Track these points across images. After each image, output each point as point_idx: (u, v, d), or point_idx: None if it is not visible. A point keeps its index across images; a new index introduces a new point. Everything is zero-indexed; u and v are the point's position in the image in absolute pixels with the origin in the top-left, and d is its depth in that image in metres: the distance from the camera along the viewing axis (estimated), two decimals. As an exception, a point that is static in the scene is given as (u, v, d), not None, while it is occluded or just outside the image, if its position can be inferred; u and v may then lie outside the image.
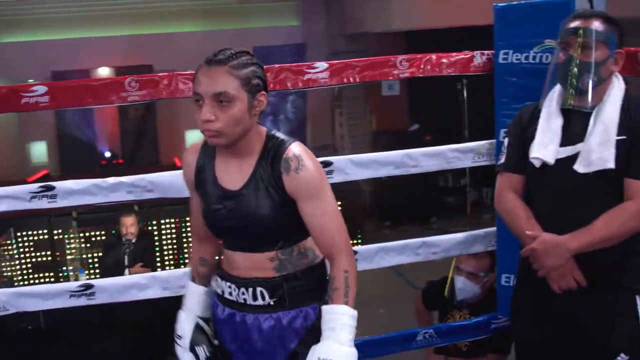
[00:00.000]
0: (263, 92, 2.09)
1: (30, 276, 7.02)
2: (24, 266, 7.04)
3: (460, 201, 9.58)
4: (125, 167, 10.52)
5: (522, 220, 2.50)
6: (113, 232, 6.56)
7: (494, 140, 3.16)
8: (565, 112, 2.49)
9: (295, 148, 2.10)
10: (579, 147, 2.42)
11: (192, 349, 2.28)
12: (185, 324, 2.32)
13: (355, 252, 3.10)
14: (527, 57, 3.02)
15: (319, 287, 2.19)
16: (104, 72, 10.76)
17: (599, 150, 2.37)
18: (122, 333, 5.21)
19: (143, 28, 11.02)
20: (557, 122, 2.48)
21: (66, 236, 7.02)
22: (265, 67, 2.96)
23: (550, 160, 2.45)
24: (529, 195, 2.58)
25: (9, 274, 6.42)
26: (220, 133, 2.02)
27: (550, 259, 2.38)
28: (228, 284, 2.22)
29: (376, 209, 10.16)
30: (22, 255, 7.06)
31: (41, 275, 7.05)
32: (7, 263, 6.42)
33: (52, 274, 7.02)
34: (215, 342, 2.31)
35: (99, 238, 6.94)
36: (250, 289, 2.17)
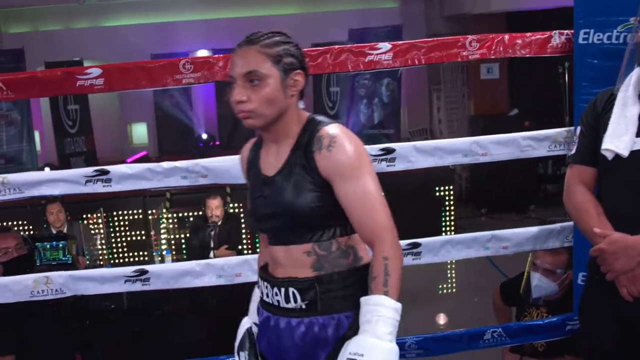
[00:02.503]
0: (299, 71, 1.98)
1: (121, 255, 7.20)
2: (115, 245, 7.24)
3: (560, 190, 9.15)
4: (222, 149, 10.65)
5: (592, 217, 2.29)
6: (199, 213, 6.62)
7: (572, 128, 2.93)
8: (645, 98, 2.25)
9: (332, 127, 1.96)
10: None
11: (238, 353, 2.18)
12: (242, 327, 2.22)
13: (419, 244, 2.98)
14: (609, 37, 2.78)
15: (357, 293, 1.95)
16: (202, 55, 10.91)
17: None
18: (204, 315, 5.23)
19: (242, 11, 11.11)
20: (634, 110, 2.25)
21: (160, 217, 7.15)
22: (325, 48, 2.86)
23: (624, 153, 2.22)
24: (601, 190, 2.37)
25: (99, 252, 6.57)
26: (253, 114, 1.94)
27: (619, 262, 2.18)
28: (265, 284, 2.09)
29: (472, 196, 9.89)
30: (114, 235, 7.26)
31: (132, 254, 7.23)
32: (98, 242, 6.58)
33: (144, 252, 7.19)
34: None
35: (190, 219, 7.01)
36: (283, 290, 2.02)
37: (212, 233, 6.11)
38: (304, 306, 2.00)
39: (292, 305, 2.01)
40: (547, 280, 3.20)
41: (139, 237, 7.40)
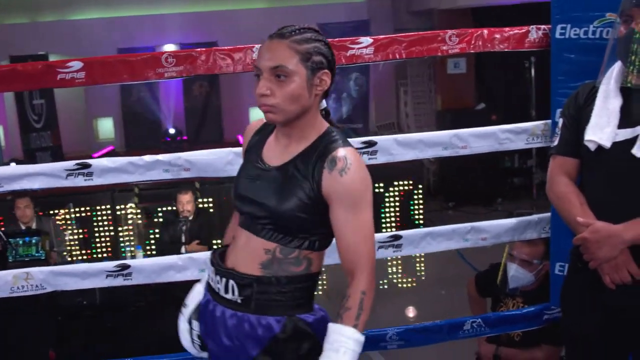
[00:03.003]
0: (326, 71, 1.97)
1: (88, 251, 7.13)
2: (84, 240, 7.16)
3: (527, 182, 9.33)
4: (189, 144, 10.61)
5: (575, 207, 2.33)
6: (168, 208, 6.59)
7: (549, 121, 2.98)
8: (625, 91, 2.31)
9: (348, 151, 1.95)
10: (638, 129, 2.24)
11: (190, 321, 2.17)
12: (195, 296, 2.21)
13: (400, 237, 3.01)
14: (586, 32, 2.82)
15: (293, 300, 2.01)
16: (169, 49, 10.83)
17: None
18: (178, 310, 5.20)
19: (208, 5, 11.05)
20: (616, 102, 2.30)
21: (128, 212, 7.10)
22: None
23: (607, 144, 2.27)
24: (583, 180, 2.42)
25: (69, 247, 6.52)
26: (275, 108, 1.93)
27: (602, 250, 2.22)
28: (212, 269, 2.12)
29: (440, 190, 10.00)
30: (83, 230, 7.18)
31: (101, 249, 7.17)
32: (67, 238, 6.52)
33: (113, 248, 7.13)
34: None
35: (159, 215, 6.96)
36: (224, 280, 2.04)
37: (184, 228, 6.09)
38: (239, 300, 2.02)
39: (229, 296, 2.04)
40: (524, 271, 3.25)
41: (108, 233, 7.34)
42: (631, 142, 2.24)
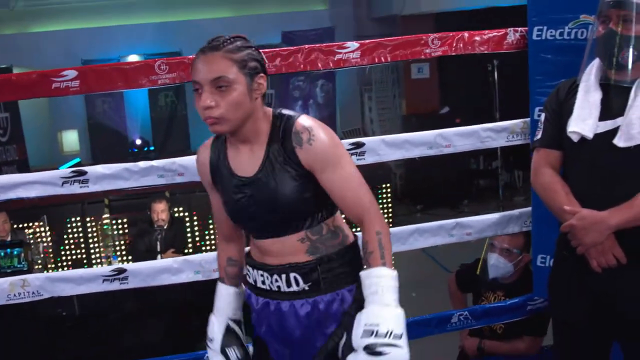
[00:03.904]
0: (262, 75, 2.06)
1: (64, 263, 7.09)
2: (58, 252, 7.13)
3: (492, 184, 9.50)
4: (156, 155, 10.58)
5: (560, 196, 2.44)
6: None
7: (528, 119, 3.10)
8: (604, 86, 2.42)
9: (304, 120, 2.06)
10: (619, 121, 2.35)
11: (223, 351, 2.24)
12: (216, 326, 2.28)
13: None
14: (561, 33, 2.95)
15: (353, 268, 2.12)
16: (133, 59, 10.79)
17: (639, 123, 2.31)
18: (157, 319, 5.23)
19: (172, 15, 11.07)
20: (596, 96, 2.42)
21: (100, 223, 7.08)
22: (295, 47, 2.96)
23: (589, 135, 2.39)
24: (567, 171, 2.53)
25: (42, 260, 6.48)
26: (222, 119, 1.99)
27: (589, 236, 2.33)
28: (261, 272, 2.17)
29: (408, 193, 10.12)
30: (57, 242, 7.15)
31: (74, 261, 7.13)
32: (41, 250, 6.48)
33: (85, 260, 7.10)
34: (249, 344, 2.30)
35: (132, 225, 6.97)
36: (284, 276, 2.12)
37: (159, 237, 6.10)
38: (307, 288, 2.11)
39: (294, 288, 2.12)
40: (504, 260, 3.35)
41: (80, 244, 7.31)
42: (612, 133, 2.35)
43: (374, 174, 8.45)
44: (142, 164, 2.88)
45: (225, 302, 2.31)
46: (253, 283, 2.23)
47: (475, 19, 7.61)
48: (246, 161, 2.11)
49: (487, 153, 9.44)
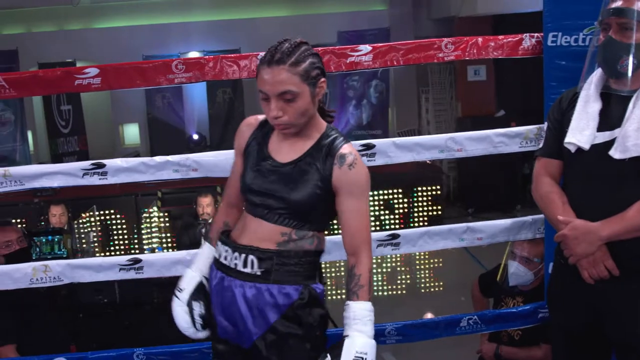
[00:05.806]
0: (323, 79, 2.22)
1: (113, 253, 7.32)
2: (107, 242, 7.36)
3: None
4: (212, 150, 10.70)
5: (557, 206, 2.45)
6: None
7: (542, 125, 3.07)
8: (605, 96, 2.42)
9: (352, 149, 2.25)
10: (616, 132, 2.35)
11: (189, 303, 2.38)
12: (189, 279, 2.43)
13: (398, 236, 3.13)
14: (576, 39, 2.95)
15: (307, 272, 2.27)
16: (193, 56, 11.01)
17: (635, 136, 2.28)
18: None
19: (231, 13, 11.24)
20: (595, 106, 2.41)
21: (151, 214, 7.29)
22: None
23: (585, 146, 2.38)
24: (566, 181, 2.53)
25: (92, 249, 6.70)
26: (289, 125, 2.19)
27: (581, 246, 2.33)
28: (226, 247, 2.31)
29: (459, 196, 10.05)
30: (107, 232, 7.38)
31: (124, 252, 7.35)
32: (90, 239, 6.71)
33: (135, 250, 7.31)
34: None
35: (179, 218, 7.14)
36: (244, 255, 2.25)
37: (203, 230, 6.24)
38: (259, 273, 2.24)
39: (248, 270, 2.25)
40: (524, 269, 3.34)
41: (131, 235, 7.54)
42: (609, 144, 2.35)
43: (422, 175, 8.46)
44: (158, 158, 3.00)
45: (205, 260, 2.46)
46: (217, 257, 2.36)
47: (533, 22, 7.49)
48: (285, 150, 2.29)
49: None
